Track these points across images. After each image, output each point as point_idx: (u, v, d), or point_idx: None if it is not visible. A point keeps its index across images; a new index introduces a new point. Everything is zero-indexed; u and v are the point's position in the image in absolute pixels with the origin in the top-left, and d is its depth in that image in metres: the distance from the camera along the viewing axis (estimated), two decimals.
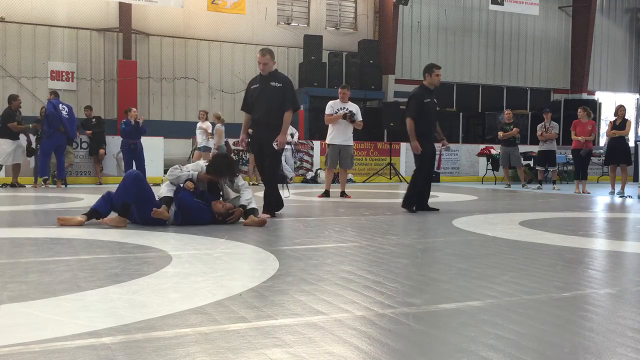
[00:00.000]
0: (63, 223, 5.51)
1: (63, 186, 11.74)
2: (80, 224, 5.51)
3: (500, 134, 13.31)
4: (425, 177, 7.53)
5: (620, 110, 11.23)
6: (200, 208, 5.63)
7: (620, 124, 11.15)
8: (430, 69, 7.50)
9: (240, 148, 14.53)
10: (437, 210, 7.49)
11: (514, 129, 13.17)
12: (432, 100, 7.48)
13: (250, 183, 13.30)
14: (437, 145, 8.04)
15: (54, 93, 12.01)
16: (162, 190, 5.65)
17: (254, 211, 5.89)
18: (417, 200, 7.48)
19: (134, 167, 11.96)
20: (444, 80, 19.73)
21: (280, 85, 6.47)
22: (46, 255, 4.06)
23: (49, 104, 11.58)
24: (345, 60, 18.20)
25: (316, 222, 6.23)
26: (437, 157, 8.24)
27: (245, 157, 14.60)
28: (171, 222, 5.61)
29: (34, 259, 3.90)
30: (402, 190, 12.42)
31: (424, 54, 19.77)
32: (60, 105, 11.65)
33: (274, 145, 6.42)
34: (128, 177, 5.58)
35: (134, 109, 12.87)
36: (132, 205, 5.56)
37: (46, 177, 11.58)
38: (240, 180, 6.06)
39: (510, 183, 14.02)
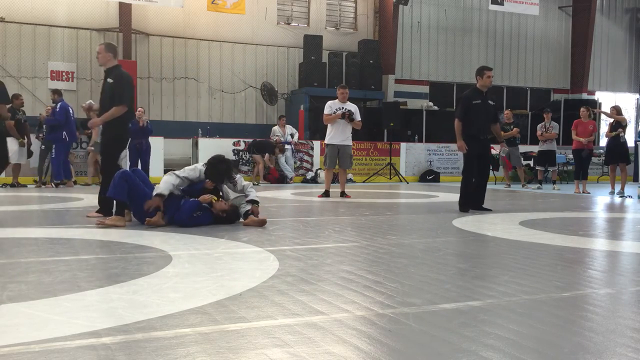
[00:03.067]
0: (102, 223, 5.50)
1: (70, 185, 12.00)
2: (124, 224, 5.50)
3: (501, 133, 13.29)
4: (479, 178, 7.53)
5: (614, 110, 11.40)
6: (198, 220, 5.61)
7: (617, 123, 11.30)
8: (481, 71, 7.55)
9: (241, 148, 14.65)
10: (490, 210, 7.46)
11: (514, 129, 13.17)
12: (485, 102, 7.50)
13: (253, 183, 13.28)
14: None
15: (58, 92, 12.02)
16: (161, 187, 5.60)
17: (254, 202, 5.89)
18: (472, 200, 7.50)
19: (139, 167, 12.00)
20: (444, 80, 19.85)
21: (112, 82, 6.28)
22: (46, 255, 4.06)
23: (62, 109, 11.57)
24: (345, 60, 18.19)
25: (316, 222, 6.23)
26: (500, 158, 8.46)
27: (245, 156, 14.61)
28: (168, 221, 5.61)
29: (34, 259, 3.91)
30: (402, 190, 12.44)
31: (424, 54, 19.76)
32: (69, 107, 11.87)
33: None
34: (117, 175, 5.57)
35: (140, 109, 12.83)
36: (128, 203, 5.59)
37: (58, 182, 11.69)
38: (244, 181, 6.04)
39: (510, 183, 14.02)
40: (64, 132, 11.61)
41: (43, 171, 12.19)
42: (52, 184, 11.73)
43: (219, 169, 5.74)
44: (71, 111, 11.90)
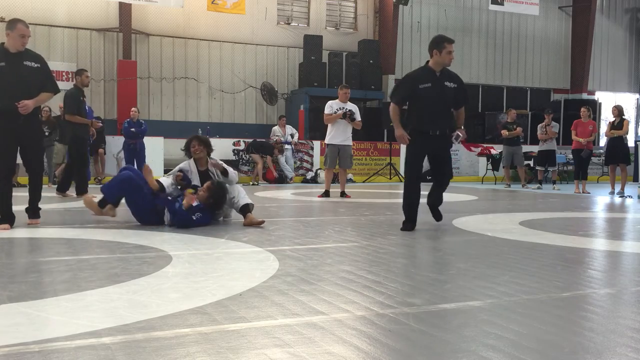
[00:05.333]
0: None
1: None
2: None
3: (505, 132, 13.30)
4: (437, 184, 5.92)
5: (615, 110, 11.36)
6: (198, 221, 5.58)
7: (618, 123, 11.23)
8: (440, 42, 5.40)
9: (241, 148, 14.64)
10: (441, 219, 6.06)
11: (518, 129, 13.17)
12: (440, 85, 5.49)
13: (251, 183, 13.30)
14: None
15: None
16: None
17: (248, 207, 5.87)
18: (429, 202, 5.98)
19: (135, 167, 12.05)
20: None
21: (38, 66, 5.52)
22: (46, 255, 4.06)
23: (89, 110, 11.57)
24: (345, 60, 18.18)
25: (316, 222, 6.23)
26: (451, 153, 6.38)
27: (245, 157, 14.60)
28: (170, 224, 5.63)
29: (34, 259, 3.91)
30: (402, 190, 12.42)
31: (424, 54, 19.63)
32: None
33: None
34: (117, 177, 5.85)
35: (133, 109, 12.85)
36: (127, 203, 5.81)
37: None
38: (237, 186, 6.04)
39: (510, 183, 14.02)
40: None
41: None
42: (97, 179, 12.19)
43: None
44: None
